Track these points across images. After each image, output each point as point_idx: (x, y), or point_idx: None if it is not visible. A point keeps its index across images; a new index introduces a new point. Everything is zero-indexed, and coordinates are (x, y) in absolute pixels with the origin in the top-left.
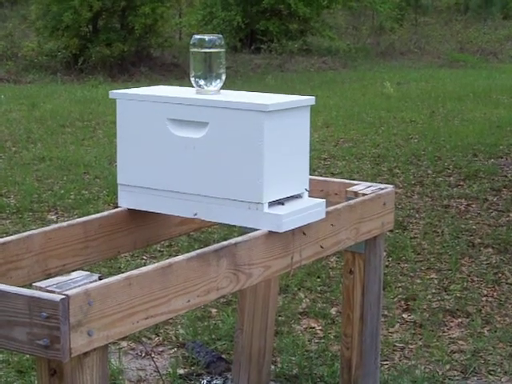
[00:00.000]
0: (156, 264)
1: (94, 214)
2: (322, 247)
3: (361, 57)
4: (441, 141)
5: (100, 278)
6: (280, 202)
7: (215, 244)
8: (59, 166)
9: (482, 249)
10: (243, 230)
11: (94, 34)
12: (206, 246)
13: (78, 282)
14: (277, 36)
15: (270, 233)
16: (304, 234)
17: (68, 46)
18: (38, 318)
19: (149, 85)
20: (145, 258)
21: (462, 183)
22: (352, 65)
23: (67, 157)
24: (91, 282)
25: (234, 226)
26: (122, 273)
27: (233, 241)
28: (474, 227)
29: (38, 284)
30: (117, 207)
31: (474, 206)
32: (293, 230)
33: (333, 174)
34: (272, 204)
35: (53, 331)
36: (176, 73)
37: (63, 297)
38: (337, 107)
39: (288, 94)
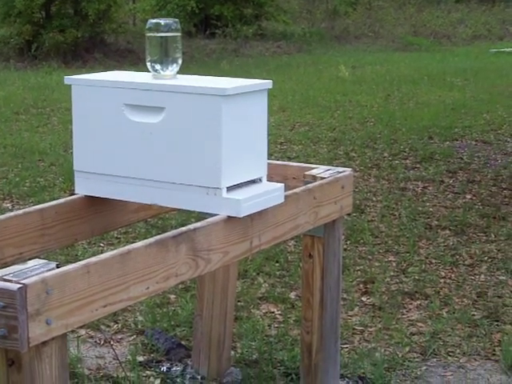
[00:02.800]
0: (114, 251)
1: (49, 201)
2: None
3: (315, 41)
4: (396, 124)
5: (58, 266)
6: (239, 187)
7: (173, 230)
8: (14, 154)
9: (439, 231)
10: (201, 216)
11: (47, 20)
12: (164, 232)
13: (35, 271)
14: (231, 21)
15: (229, 218)
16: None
17: (21, 33)
18: None
19: (103, 71)
20: (102, 245)
21: (418, 166)
22: (307, 49)
23: (22, 144)
24: (49, 271)
25: (193, 211)
26: (79, 260)
27: (191, 226)
28: (430, 209)
29: None
30: (73, 194)
31: (430, 188)
32: (251, 215)
33: (289, 159)
34: (230, 189)
35: (10, 321)
36: (130, 58)
37: (20, 286)
38: (292, 91)
39: (244, 78)
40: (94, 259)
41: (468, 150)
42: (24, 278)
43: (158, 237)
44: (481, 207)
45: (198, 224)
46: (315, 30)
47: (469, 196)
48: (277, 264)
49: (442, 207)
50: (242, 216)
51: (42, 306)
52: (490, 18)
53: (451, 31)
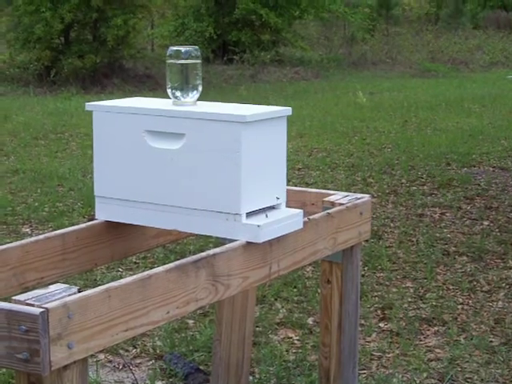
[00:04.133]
0: (135, 276)
1: (68, 226)
2: None
3: (333, 67)
4: (414, 150)
5: (79, 291)
6: (258, 213)
7: (193, 255)
8: (33, 179)
9: (456, 257)
10: (219, 241)
11: (66, 46)
12: (182, 257)
13: (56, 295)
14: (249, 47)
15: (248, 243)
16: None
17: (40, 58)
18: (17, 331)
19: (122, 96)
20: (121, 269)
21: (435, 192)
22: (324, 75)
23: (41, 169)
24: (70, 295)
25: (211, 236)
26: (98, 285)
27: (211, 252)
28: (448, 236)
29: (16, 297)
30: (91, 219)
31: (448, 214)
32: (271, 241)
33: (307, 184)
34: (250, 214)
35: (32, 344)
36: (149, 84)
37: (42, 310)
38: (310, 117)
39: (261, 104)
40: (115, 284)
41: (485, 177)
42: (46, 303)
43: (178, 262)
44: (498, 234)
45: (218, 249)
46: (333, 56)
47: (486, 222)
48: (295, 289)
49: (460, 233)
50: (261, 242)
51: (63, 330)
52: (507, 45)
53: (469, 57)
